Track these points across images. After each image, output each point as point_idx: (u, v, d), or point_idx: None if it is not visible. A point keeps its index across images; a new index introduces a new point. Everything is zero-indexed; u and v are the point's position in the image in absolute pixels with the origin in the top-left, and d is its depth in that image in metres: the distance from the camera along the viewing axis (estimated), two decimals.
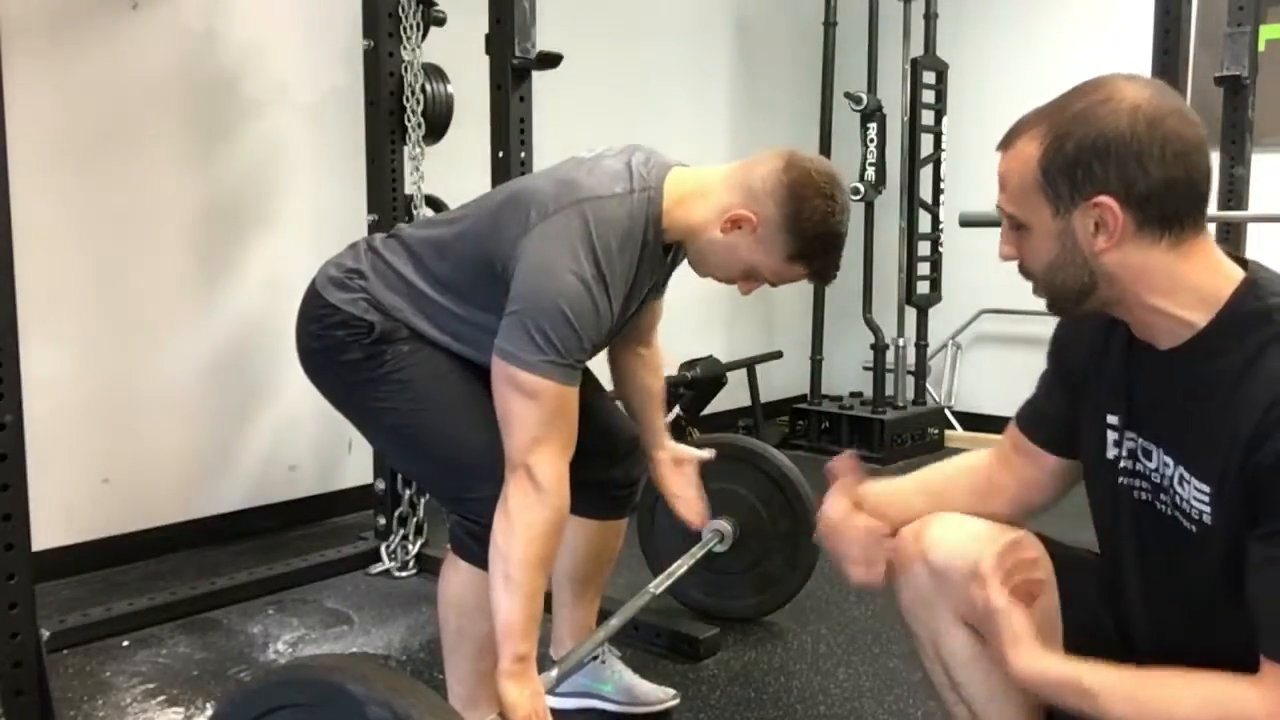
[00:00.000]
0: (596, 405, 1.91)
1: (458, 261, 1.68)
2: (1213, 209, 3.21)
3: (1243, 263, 1.14)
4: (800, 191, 1.58)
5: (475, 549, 1.64)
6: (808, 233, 1.59)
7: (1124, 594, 1.27)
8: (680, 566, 2.14)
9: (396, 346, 1.68)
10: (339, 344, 1.69)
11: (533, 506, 1.50)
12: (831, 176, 1.62)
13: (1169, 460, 1.16)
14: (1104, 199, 1.08)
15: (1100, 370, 1.26)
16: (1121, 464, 1.23)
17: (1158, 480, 1.19)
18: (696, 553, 2.26)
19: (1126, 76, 1.11)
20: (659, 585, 2.05)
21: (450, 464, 1.67)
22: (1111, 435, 1.25)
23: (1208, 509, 1.11)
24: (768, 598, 2.48)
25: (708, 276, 1.74)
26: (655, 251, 1.69)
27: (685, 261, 1.78)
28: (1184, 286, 1.11)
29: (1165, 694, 1.09)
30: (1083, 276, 1.13)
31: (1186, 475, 1.14)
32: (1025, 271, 1.20)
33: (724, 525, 2.38)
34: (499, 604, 1.51)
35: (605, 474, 1.93)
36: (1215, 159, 3.19)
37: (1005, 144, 1.17)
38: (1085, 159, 1.08)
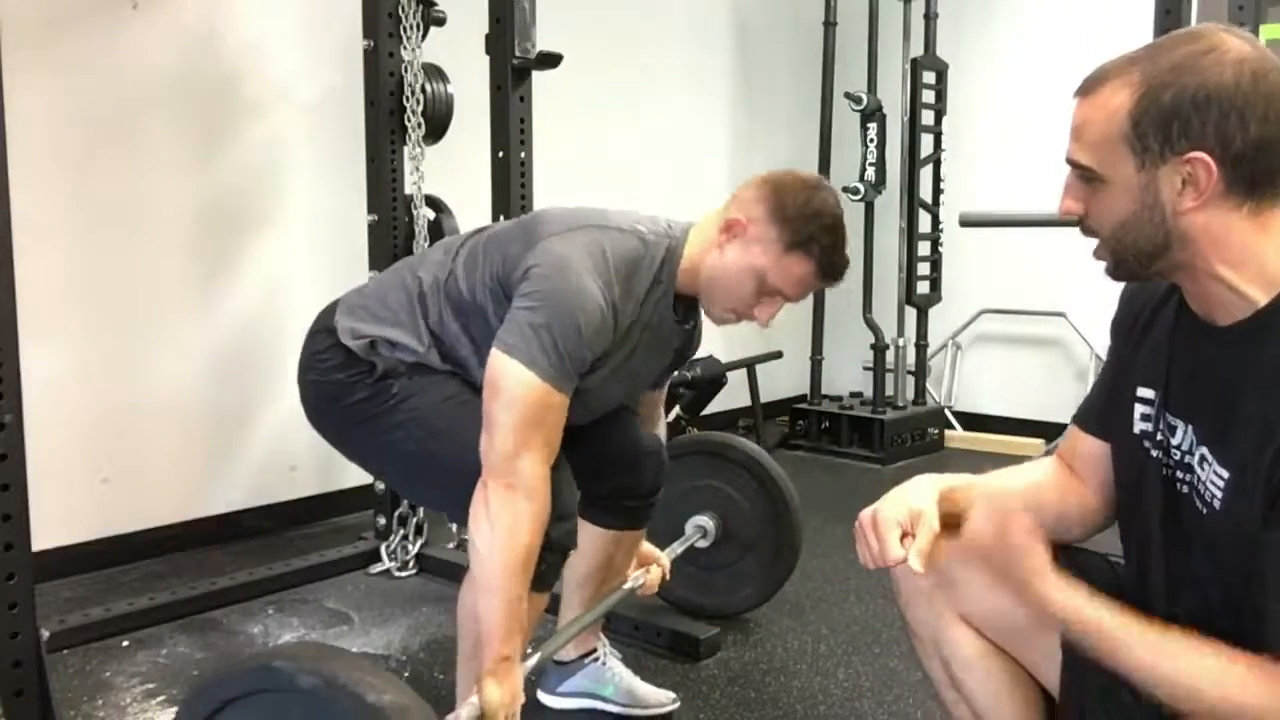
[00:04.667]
0: (617, 415, 1.91)
1: (469, 287, 1.65)
2: None
3: None
4: (780, 184, 1.63)
5: None
6: (796, 217, 1.59)
7: (1147, 580, 1.23)
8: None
9: (400, 380, 1.66)
10: (342, 387, 1.68)
11: (517, 512, 1.48)
12: (812, 175, 1.68)
13: (1194, 439, 1.14)
14: (1199, 155, 1.02)
15: (1142, 342, 1.23)
16: (1148, 439, 1.20)
17: (1178, 458, 1.16)
18: (677, 548, 2.27)
19: (1225, 28, 1.06)
20: (638, 579, 2.05)
21: (471, 479, 1.58)
22: (1140, 409, 1.22)
23: (1220, 495, 1.08)
24: (758, 588, 2.48)
25: (725, 316, 1.70)
26: (666, 299, 1.68)
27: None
28: (1253, 261, 1.06)
29: (1179, 663, 1.06)
30: (1157, 237, 1.07)
31: (1208, 457, 1.11)
32: (1088, 229, 1.14)
33: (705, 521, 2.38)
34: (482, 608, 1.50)
35: (624, 485, 1.93)
36: None
37: (1086, 90, 1.09)
38: (1184, 111, 1.02)
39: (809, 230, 1.59)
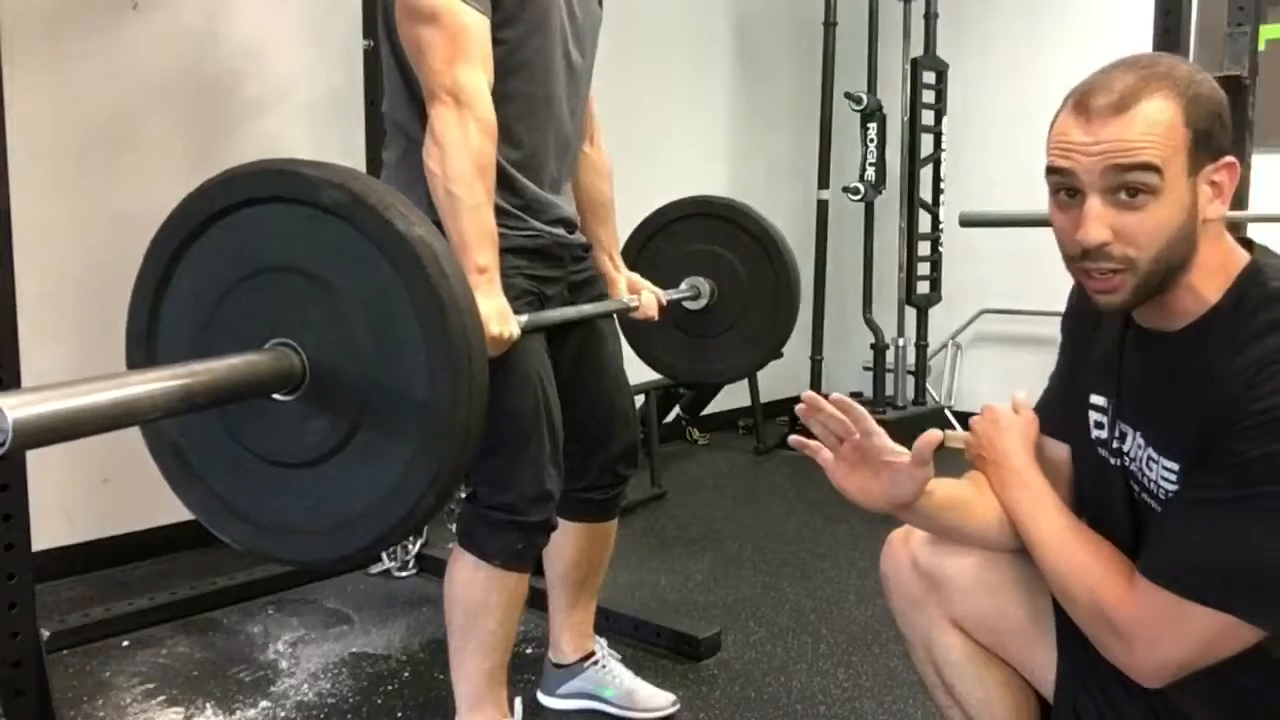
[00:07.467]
0: (594, 396, 1.91)
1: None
2: None
3: (1247, 244, 1.13)
4: None
5: (483, 535, 1.66)
6: None
7: None
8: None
9: None
10: None
11: (459, 122, 1.54)
12: None
13: (1141, 443, 1.16)
14: (1230, 159, 1.06)
15: (1091, 341, 1.25)
16: (1103, 446, 1.23)
17: (1127, 464, 1.19)
18: (671, 293, 2.17)
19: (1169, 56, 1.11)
20: (634, 300, 1.99)
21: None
22: (1094, 415, 1.24)
23: (1174, 487, 1.11)
24: (750, 357, 2.39)
25: None
26: None
27: None
28: (1219, 266, 1.09)
29: (1068, 550, 1.17)
30: (1190, 247, 1.07)
31: (1155, 456, 1.13)
32: (1116, 255, 1.07)
33: (700, 282, 2.28)
34: (447, 224, 1.54)
35: (590, 477, 1.93)
36: None
37: (1122, 108, 1.04)
38: (1216, 122, 1.06)
39: None
